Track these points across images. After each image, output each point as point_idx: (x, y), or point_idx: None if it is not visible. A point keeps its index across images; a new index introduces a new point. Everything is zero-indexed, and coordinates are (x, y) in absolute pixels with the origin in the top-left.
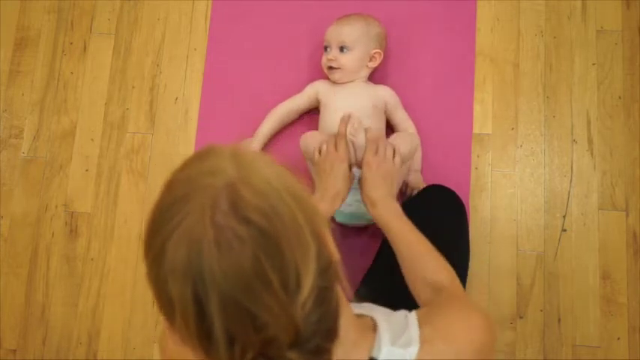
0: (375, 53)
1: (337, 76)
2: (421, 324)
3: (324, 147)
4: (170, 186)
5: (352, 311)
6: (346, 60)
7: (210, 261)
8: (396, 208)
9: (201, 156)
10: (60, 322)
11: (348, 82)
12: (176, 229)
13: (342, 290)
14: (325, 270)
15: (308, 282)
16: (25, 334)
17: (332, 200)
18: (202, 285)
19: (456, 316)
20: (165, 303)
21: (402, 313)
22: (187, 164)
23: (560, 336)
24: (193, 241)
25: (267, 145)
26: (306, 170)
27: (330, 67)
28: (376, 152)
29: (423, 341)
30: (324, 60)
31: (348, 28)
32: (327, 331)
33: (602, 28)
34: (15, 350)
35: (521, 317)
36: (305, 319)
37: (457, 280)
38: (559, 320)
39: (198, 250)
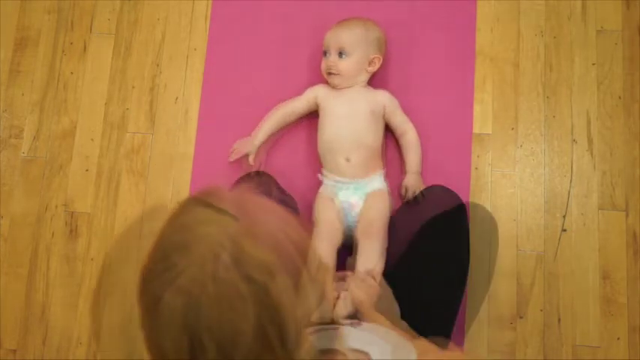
0: (374, 58)
1: (336, 81)
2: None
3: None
4: (169, 230)
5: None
6: (344, 65)
7: (210, 319)
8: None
9: (203, 200)
10: (60, 322)
11: (347, 87)
12: (175, 279)
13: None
14: (324, 324)
15: (308, 340)
16: (25, 334)
17: None
18: (199, 340)
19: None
20: (158, 349)
21: (404, 345)
22: (189, 207)
23: (560, 336)
24: (192, 297)
25: (264, 145)
26: (305, 176)
27: (330, 73)
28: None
29: None
30: (323, 65)
31: (347, 32)
32: None
33: (602, 28)
34: (15, 350)
35: (521, 317)
36: None
37: None
38: (559, 320)
39: (197, 307)
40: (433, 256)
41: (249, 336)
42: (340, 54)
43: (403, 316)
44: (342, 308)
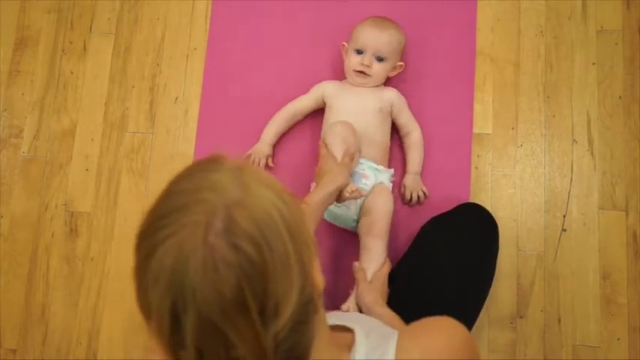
0: (399, 65)
1: (363, 81)
2: (401, 336)
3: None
4: (171, 192)
5: (328, 331)
6: (379, 69)
7: (194, 279)
8: (382, 314)
9: (206, 166)
10: (60, 322)
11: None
12: (168, 238)
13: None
14: (306, 304)
15: (286, 314)
16: (25, 333)
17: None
18: (182, 300)
19: (438, 329)
20: (144, 305)
21: (388, 327)
22: (191, 172)
23: (560, 336)
24: (182, 255)
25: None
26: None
27: (360, 72)
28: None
29: (398, 352)
30: (353, 62)
31: (387, 37)
32: (297, 358)
33: (602, 27)
34: (15, 350)
35: (521, 317)
36: (276, 347)
37: None
38: (559, 320)
39: (185, 266)
40: (457, 272)
41: (229, 300)
42: (377, 57)
43: None
44: (350, 310)
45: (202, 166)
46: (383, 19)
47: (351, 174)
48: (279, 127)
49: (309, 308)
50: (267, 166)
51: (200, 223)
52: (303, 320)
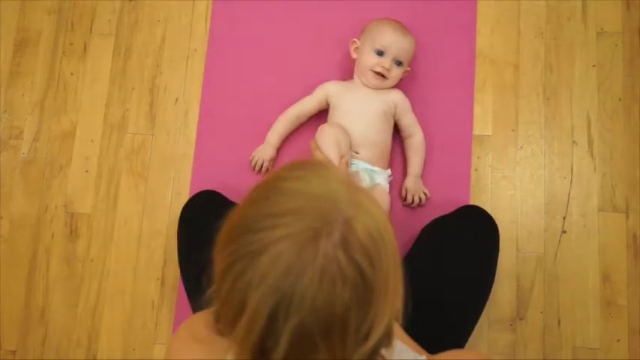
0: (407, 70)
1: (379, 83)
2: None
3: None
4: (284, 190)
5: None
6: (396, 73)
7: (308, 287)
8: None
9: (318, 171)
10: (60, 323)
11: (362, 85)
12: (283, 239)
13: None
14: (387, 334)
15: (373, 339)
16: (24, 335)
17: None
18: (286, 304)
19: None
20: (236, 300)
21: (412, 354)
22: (304, 175)
23: (560, 338)
24: (299, 260)
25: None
26: None
27: (377, 73)
28: None
29: None
30: (372, 62)
31: (409, 43)
32: None
33: (602, 29)
34: (14, 351)
35: (521, 319)
36: None
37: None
38: (559, 322)
39: (300, 271)
40: (457, 276)
41: (335, 316)
42: (397, 62)
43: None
44: None
45: (314, 170)
46: (399, 23)
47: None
48: (283, 130)
49: (388, 339)
50: (267, 170)
51: (320, 231)
52: (378, 351)
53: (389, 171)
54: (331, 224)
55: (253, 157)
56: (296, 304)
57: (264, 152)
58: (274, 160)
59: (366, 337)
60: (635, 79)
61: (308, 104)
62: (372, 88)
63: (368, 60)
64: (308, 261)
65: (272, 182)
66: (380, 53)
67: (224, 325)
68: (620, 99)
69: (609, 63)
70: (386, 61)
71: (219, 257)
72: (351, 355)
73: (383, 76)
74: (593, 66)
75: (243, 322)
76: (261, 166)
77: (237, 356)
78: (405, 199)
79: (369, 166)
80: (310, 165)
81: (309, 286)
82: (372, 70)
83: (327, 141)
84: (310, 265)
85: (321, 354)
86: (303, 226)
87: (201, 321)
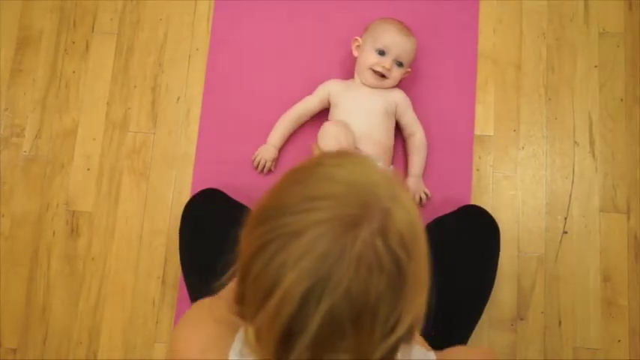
0: (408, 71)
1: (378, 82)
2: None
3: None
4: (324, 176)
5: None
6: (397, 74)
7: (345, 272)
8: None
9: (359, 160)
10: (60, 322)
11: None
12: (323, 223)
13: None
14: (410, 330)
15: (399, 333)
16: (25, 333)
17: None
18: (321, 288)
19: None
20: (267, 279)
21: (422, 352)
22: (344, 162)
23: (560, 338)
24: (338, 245)
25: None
26: None
27: (378, 72)
28: None
29: None
30: (372, 61)
31: (411, 45)
32: None
33: (604, 30)
34: (15, 349)
35: (521, 319)
36: None
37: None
38: (560, 322)
39: (339, 256)
40: (458, 276)
41: (368, 304)
42: (397, 62)
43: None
44: None
45: (353, 159)
46: (402, 23)
47: None
48: (285, 130)
49: (409, 335)
50: (270, 170)
51: (359, 218)
52: (398, 347)
53: (392, 168)
54: (371, 212)
55: (255, 157)
56: (330, 289)
57: (267, 152)
58: (276, 160)
59: (392, 329)
60: (637, 79)
61: (309, 103)
62: (371, 87)
63: (368, 58)
64: (346, 247)
65: (308, 167)
66: (381, 53)
67: (248, 306)
68: (621, 99)
69: (611, 63)
70: (387, 61)
71: (250, 238)
72: (375, 348)
73: (382, 75)
74: (595, 66)
75: (272, 303)
76: (264, 166)
77: (261, 337)
78: None
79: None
80: (348, 154)
81: (346, 272)
82: (370, 69)
83: (328, 140)
84: (348, 251)
85: (348, 342)
86: (343, 211)
87: (206, 307)
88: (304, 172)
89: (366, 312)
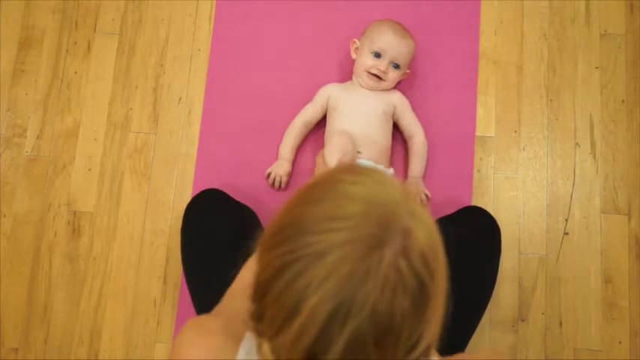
0: (407, 72)
1: (374, 84)
2: None
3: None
4: (343, 194)
5: None
6: (393, 76)
7: (370, 294)
8: None
9: (377, 178)
10: (62, 321)
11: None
12: (346, 244)
13: None
14: (428, 348)
15: (419, 350)
16: (26, 332)
17: None
18: (346, 310)
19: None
20: (291, 300)
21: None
22: (363, 180)
23: (561, 339)
24: (362, 266)
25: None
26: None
27: (374, 74)
28: None
29: None
30: (369, 64)
31: (407, 47)
32: None
33: (605, 31)
34: (17, 349)
35: (522, 320)
36: None
37: None
38: (560, 323)
39: (364, 277)
40: (459, 277)
41: (393, 325)
42: (394, 64)
43: None
44: None
45: (371, 176)
46: (400, 25)
47: None
48: (294, 142)
49: (428, 350)
50: (287, 185)
51: (382, 238)
52: None
53: (391, 170)
54: (392, 232)
55: (269, 173)
56: (356, 310)
57: (280, 168)
58: (291, 173)
59: (414, 347)
60: (638, 81)
61: (312, 111)
62: (368, 89)
63: (365, 61)
64: (371, 268)
65: (327, 184)
66: (377, 55)
67: (268, 325)
68: (623, 101)
69: (612, 65)
70: (382, 64)
71: (269, 257)
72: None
73: (378, 77)
74: (597, 68)
75: (296, 324)
76: (280, 182)
77: (281, 356)
78: None
79: (374, 165)
80: (366, 170)
81: (371, 293)
82: (367, 71)
83: (332, 150)
84: (373, 273)
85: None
86: (365, 231)
87: (203, 323)
88: (322, 189)
89: (390, 332)
